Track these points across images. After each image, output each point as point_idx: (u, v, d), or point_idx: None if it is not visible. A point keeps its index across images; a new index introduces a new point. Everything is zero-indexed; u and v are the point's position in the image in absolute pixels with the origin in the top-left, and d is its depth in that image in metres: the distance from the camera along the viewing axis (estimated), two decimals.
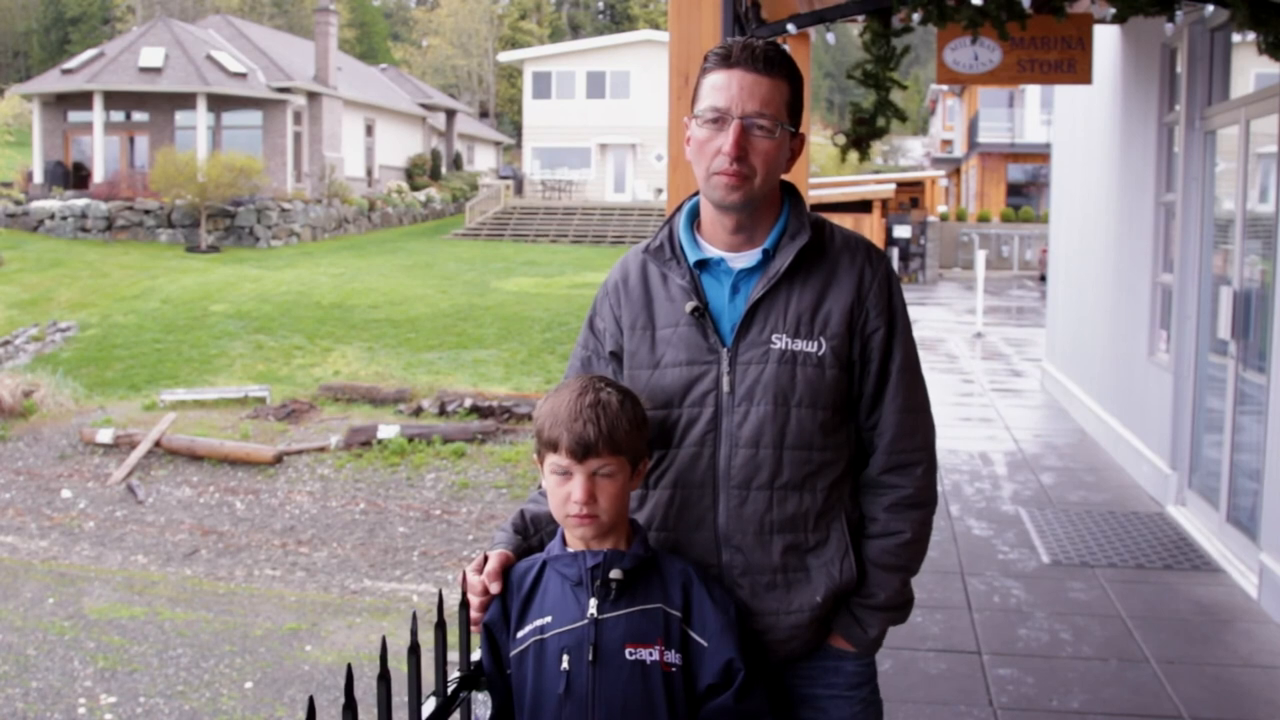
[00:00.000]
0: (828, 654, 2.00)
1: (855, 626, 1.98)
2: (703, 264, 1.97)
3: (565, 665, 1.76)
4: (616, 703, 1.75)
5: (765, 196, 1.94)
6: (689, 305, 1.93)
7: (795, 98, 1.92)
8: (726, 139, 1.86)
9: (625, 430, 1.82)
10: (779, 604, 1.93)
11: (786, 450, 1.90)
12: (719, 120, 1.87)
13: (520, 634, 1.82)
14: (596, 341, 2.07)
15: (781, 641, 1.94)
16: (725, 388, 1.91)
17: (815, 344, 1.91)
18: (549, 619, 1.80)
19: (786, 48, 2.14)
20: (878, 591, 1.96)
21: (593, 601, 1.79)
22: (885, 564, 1.96)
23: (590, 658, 1.75)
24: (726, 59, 1.88)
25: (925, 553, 2.03)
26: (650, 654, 1.77)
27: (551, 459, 1.83)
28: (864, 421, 1.99)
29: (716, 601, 1.84)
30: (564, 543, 1.88)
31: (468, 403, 16.50)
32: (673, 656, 1.78)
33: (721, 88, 1.87)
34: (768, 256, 1.94)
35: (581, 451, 1.79)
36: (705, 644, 1.80)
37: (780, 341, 1.91)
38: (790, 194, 2.02)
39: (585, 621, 1.78)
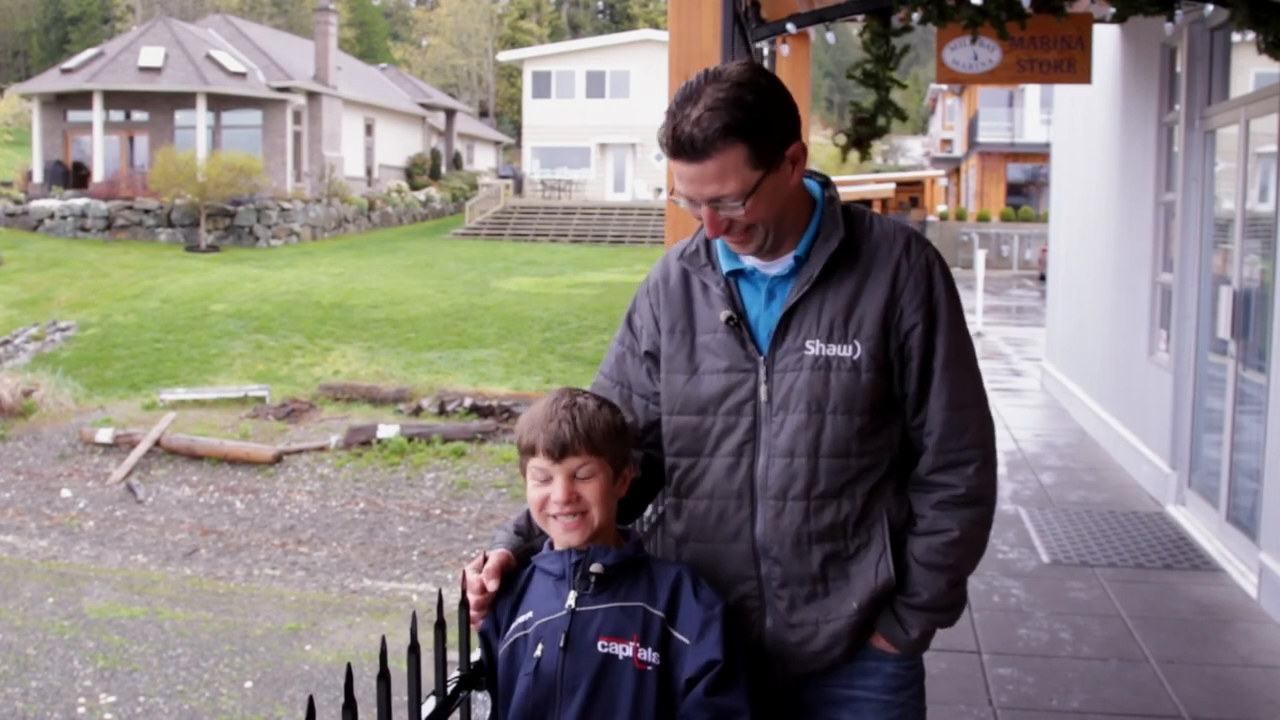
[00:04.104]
0: (868, 654, 1.94)
1: (896, 626, 1.90)
2: (737, 271, 1.92)
3: (538, 652, 1.76)
4: (581, 691, 1.74)
5: (786, 216, 1.86)
6: (724, 314, 1.89)
7: (759, 143, 1.74)
8: (705, 219, 1.82)
9: (602, 431, 1.81)
10: (818, 614, 1.88)
11: (822, 459, 1.84)
12: (691, 202, 1.82)
13: (506, 633, 1.83)
14: (633, 338, 2.02)
15: (822, 650, 1.90)
16: (763, 396, 1.86)
17: (849, 347, 1.83)
18: (530, 614, 1.81)
19: (785, 48, 2.13)
20: (921, 591, 1.88)
21: (572, 594, 1.79)
22: (929, 562, 1.88)
23: (561, 644, 1.75)
24: (670, 149, 1.77)
25: (978, 554, 1.93)
26: (623, 649, 1.75)
27: (532, 464, 1.83)
28: (910, 421, 1.90)
29: (701, 599, 1.81)
30: (551, 548, 1.88)
31: (467, 402, 16.51)
32: (649, 655, 1.76)
33: (678, 176, 1.81)
34: (800, 262, 1.87)
35: (559, 450, 1.79)
36: (687, 641, 1.79)
37: (814, 347, 1.84)
38: (824, 188, 1.93)
39: (563, 613, 1.78)
